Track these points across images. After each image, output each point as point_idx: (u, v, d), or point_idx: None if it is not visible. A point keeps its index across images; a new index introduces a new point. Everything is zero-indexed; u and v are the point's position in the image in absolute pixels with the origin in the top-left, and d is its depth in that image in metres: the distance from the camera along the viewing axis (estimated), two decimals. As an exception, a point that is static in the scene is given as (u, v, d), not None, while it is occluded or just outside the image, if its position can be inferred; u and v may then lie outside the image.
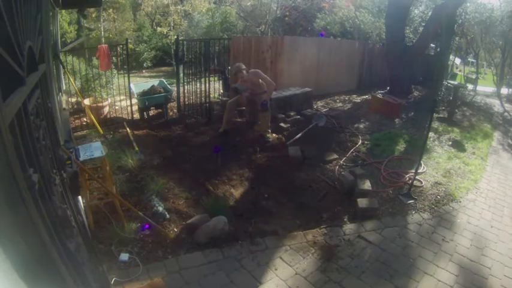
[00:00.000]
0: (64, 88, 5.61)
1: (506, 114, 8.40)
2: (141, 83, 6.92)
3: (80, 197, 2.53)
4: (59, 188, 1.33)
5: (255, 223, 3.16)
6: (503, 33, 9.90)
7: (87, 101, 5.77)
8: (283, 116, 5.74)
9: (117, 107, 6.30)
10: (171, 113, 6.58)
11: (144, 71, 14.44)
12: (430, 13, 8.73)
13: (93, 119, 4.82)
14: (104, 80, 6.41)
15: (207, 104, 6.07)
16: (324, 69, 7.95)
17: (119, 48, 8.11)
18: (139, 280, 2.37)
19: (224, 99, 6.74)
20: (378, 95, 6.80)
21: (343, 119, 6.01)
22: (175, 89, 6.72)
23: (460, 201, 3.69)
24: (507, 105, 9.22)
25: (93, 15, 13.09)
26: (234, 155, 4.51)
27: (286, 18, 13.19)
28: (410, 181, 3.80)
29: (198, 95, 6.32)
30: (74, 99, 6.34)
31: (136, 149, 4.42)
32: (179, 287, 2.36)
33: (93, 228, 2.77)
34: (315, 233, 3.07)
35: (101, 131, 4.74)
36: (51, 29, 3.39)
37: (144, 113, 6.19)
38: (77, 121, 5.56)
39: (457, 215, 3.45)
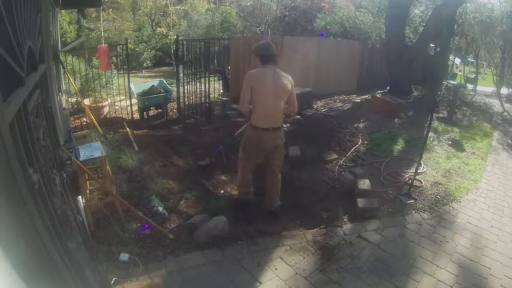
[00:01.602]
0: (64, 88, 5.61)
1: (505, 114, 8.39)
2: (141, 83, 6.93)
3: (80, 197, 2.53)
4: (59, 188, 1.33)
5: (255, 223, 3.16)
6: (503, 33, 9.87)
7: (87, 101, 5.78)
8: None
9: (117, 107, 6.30)
10: (171, 113, 6.59)
11: (144, 71, 14.44)
12: (430, 13, 8.72)
13: (93, 119, 4.82)
14: (104, 80, 6.41)
15: (207, 104, 6.08)
16: (324, 69, 7.94)
17: (118, 48, 8.12)
18: (139, 280, 2.37)
19: (224, 99, 6.74)
20: (377, 95, 6.79)
21: (343, 119, 6.00)
22: (175, 89, 6.73)
23: (460, 201, 3.69)
24: (507, 105, 9.21)
25: (93, 15, 13.11)
26: (233, 155, 4.51)
27: (286, 18, 13.18)
28: (410, 181, 3.79)
29: (198, 95, 6.33)
30: (74, 99, 6.34)
31: (136, 149, 4.42)
32: (179, 287, 2.36)
33: (93, 228, 2.77)
34: (315, 233, 3.07)
35: (101, 131, 4.75)
36: (51, 29, 3.39)
37: (144, 113, 6.20)
38: (77, 121, 5.56)
39: (457, 215, 3.45)
